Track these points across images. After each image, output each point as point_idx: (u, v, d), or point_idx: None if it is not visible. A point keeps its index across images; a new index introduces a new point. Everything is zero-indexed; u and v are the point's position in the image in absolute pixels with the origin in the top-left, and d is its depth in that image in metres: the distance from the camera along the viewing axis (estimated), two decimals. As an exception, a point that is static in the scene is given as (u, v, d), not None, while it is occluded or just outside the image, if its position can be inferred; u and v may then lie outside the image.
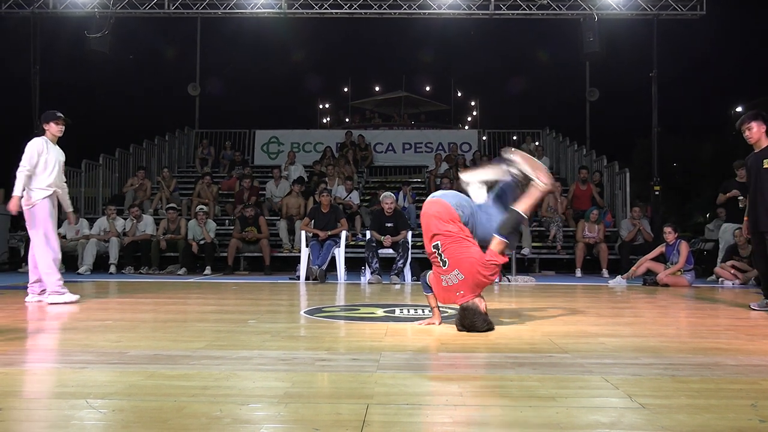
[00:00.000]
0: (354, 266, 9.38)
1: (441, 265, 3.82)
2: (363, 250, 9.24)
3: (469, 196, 4.19)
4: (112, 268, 9.83)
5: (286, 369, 2.72)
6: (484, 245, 3.88)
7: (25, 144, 5.47)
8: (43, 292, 5.44)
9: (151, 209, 11.70)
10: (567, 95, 20.84)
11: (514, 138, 18.20)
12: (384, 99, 30.27)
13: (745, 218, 5.57)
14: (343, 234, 9.02)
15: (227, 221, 12.03)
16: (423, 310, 5.00)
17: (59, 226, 10.64)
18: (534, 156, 14.56)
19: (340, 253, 8.85)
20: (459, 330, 3.78)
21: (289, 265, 10.16)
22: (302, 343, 3.61)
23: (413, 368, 2.79)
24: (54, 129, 5.61)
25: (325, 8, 12.07)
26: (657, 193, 11.70)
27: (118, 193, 12.96)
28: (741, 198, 8.80)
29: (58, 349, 3.17)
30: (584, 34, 11.83)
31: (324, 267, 8.53)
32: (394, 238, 8.59)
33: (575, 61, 15.17)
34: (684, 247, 8.20)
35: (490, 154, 15.50)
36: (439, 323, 4.04)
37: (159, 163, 14.54)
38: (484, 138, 16.96)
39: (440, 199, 4.02)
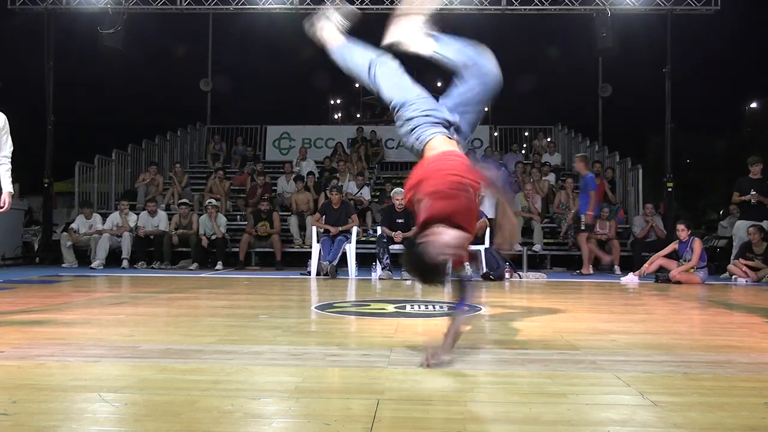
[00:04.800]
0: (365, 262, 9.39)
1: None
2: (374, 245, 9.24)
3: None
4: (125, 263, 9.88)
5: (297, 364, 2.72)
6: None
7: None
8: None
9: (164, 204, 11.75)
10: (579, 91, 20.66)
11: (526, 134, 18.13)
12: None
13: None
14: (354, 230, 9.02)
15: (239, 216, 12.07)
16: (434, 306, 5.00)
17: (72, 221, 10.83)
18: (546, 151, 14.42)
19: (350, 249, 8.85)
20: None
21: (300, 261, 10.18)
22: (313, 338, 3.62)
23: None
24: None
25: (337, 4, 12.05)
26: (670, 189, 11.63)
27: (130, 188, 13.05)
28: (754, 193, 8.75)
29: (72, 343, 3.20)
30: (597, 29, 11.74)
31: (335, 263, 8.54)
32: (405, 233, 8.58)
33: (588, 56, 15.07)
34: (697, 245, 8.13)
35: (501, 150, 15.46)
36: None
37: (171, 159, 14.60)
38: (496, 134, 16.89)
39: None
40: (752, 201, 8.79)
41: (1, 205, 4.63)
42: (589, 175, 9.39)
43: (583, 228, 9.34)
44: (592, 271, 9.45)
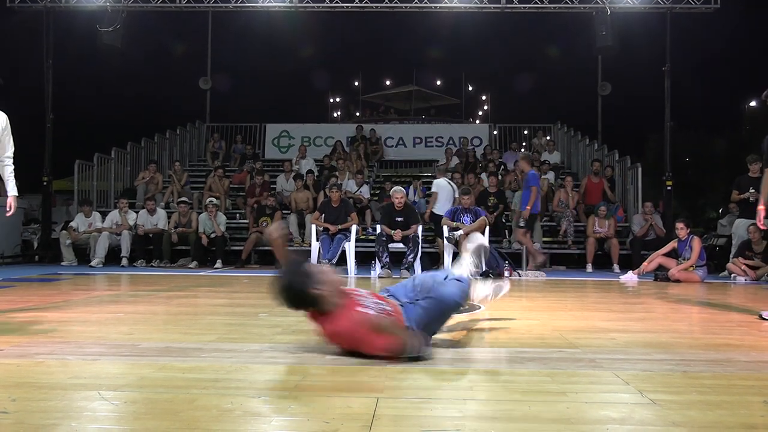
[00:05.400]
0: (364, 260, 9.39)
1: None
2: (373, 244, 9.24)
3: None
4: (124, 261, 9.89)
5: (296, 362, 2.73)
6: None
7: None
8: None
9: (163, 203, 11.75)
10: (579, 90, 20.68)
11: (525, 132, 18.12)
12: (395, 93, 30.20)
13: (761, 207, 5.08)
14: (354, 228, 9.02)
15: (238, 215, 12.07)
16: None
17: (71, 219, 10.82)
18: (545, 150, 14.38)
19: (350, 247, 8.85)
20: None
21: (300, 259, 10.16)
22: (313, 336, 3.62)
23: (423, 362, 2.78)
24: None
25: (336, 2, 12.04)
26: (669, 188, 11.63)
27: (129, 186, 13.05)
28: (753, 191, 8.75)
29: (71, 341, 3.19)
30: (597, 28, 11.73)
31: (334, 261, 8.54)
32: (404, 232, 8.58)
33: (587, 55, 15.07)
34: (696, 243, 8.14)
35: (500, 149, 15.45)
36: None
37: (170, 157, 14.60)
38: (495, 132, 16.90)
39: None
40: (751, 199, 8.79)
41: (8, 209, 4.57)
42: (531, 172, 9.35)
43: (521, 225, 9.20)
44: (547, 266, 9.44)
